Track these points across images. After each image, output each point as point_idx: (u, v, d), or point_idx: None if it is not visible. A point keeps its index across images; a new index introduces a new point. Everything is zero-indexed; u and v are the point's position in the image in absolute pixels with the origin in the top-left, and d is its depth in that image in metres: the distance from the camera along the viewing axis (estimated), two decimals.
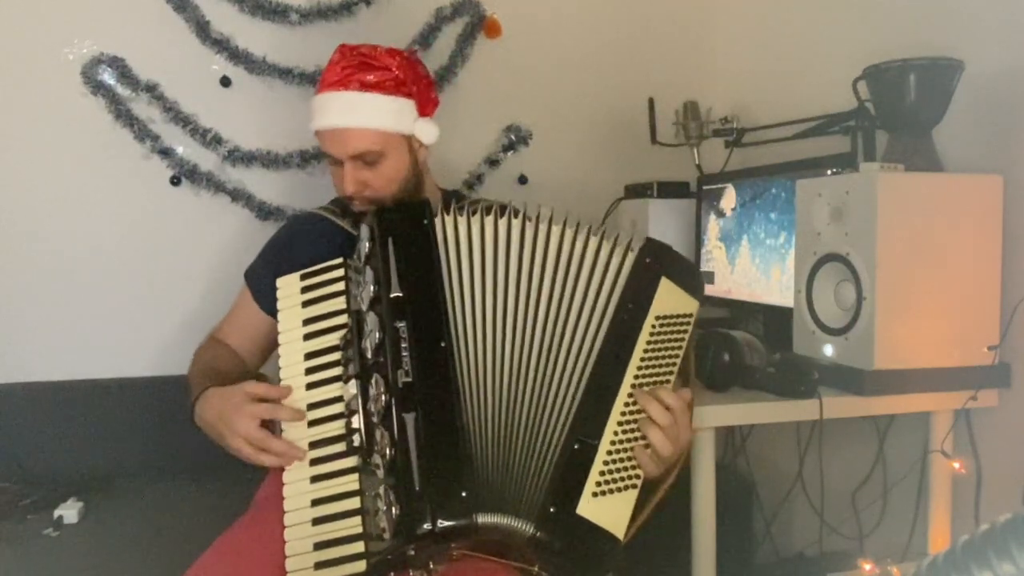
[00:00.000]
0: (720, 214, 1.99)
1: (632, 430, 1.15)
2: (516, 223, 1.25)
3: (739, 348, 1.42)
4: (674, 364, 1.20)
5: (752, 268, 1.85)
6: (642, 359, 1.17)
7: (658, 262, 1.24)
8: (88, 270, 2.03)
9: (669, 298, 1.21)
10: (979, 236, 1.43)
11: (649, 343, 1.18)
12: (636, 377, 1.16)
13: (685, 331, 1.22)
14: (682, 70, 2.35)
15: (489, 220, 1.24)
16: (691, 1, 2.39)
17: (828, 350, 1.47)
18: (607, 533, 1.10)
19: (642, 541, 2.14)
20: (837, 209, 1.45)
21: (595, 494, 1.10)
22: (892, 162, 1.42)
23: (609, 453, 1.12)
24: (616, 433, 1.13)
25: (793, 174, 1.69)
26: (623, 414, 1.15)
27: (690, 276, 1.26)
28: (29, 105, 1.97)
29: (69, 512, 1.68)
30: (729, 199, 1.95)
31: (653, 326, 1.19)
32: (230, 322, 1.59)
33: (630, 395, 1.15)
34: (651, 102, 2.16)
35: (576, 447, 1.11)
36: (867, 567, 1.40)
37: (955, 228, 1.41)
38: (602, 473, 1.11)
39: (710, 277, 2.02)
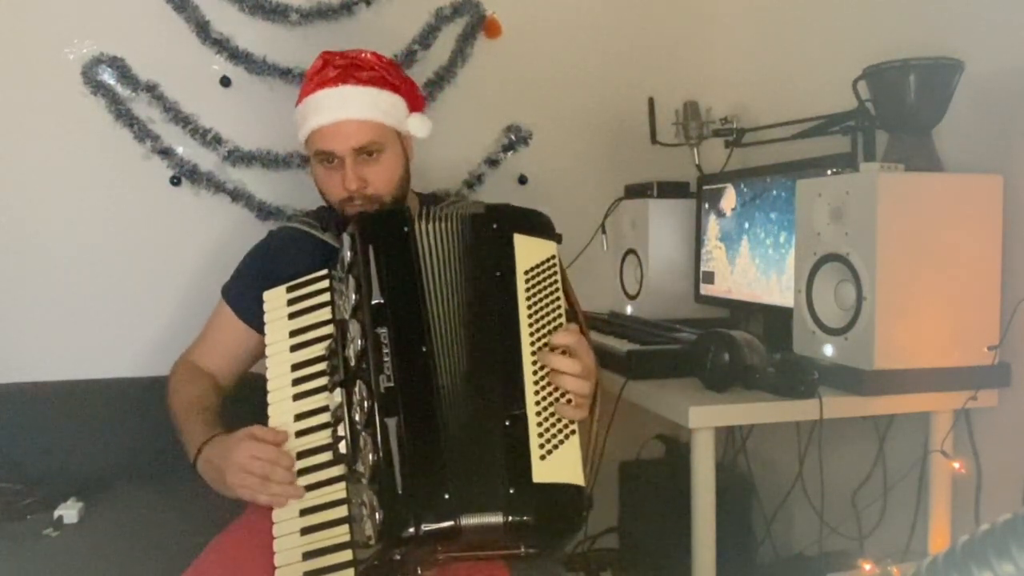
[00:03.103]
0: (720, 214, 1.99)
1: (549, 383, 1.18)
2: (450, 224, 1.28)
3: (739, 348, 1.42)
4: (559, 305, 1.24)
5: (752, 268, 1.85)
6: (530, 315, 1.21)
7: (502, 223, 1.28)
8: (88, 270, 2.02)
9: (528, 250, 1.26)
10: (979, 236, 1.43)
11: (529, 299, 1.22)
12: (532, 334, 1.20)
13: (554, 272, 1.26)
14: (682, 70, 2.35)
15: (446, 223, 1.27)
16: (691, 1, 2.39)
17: (828, 350, 1.47)
18: (569, 486, 1.12)
19: (642, 541, 2.15)
20: (837, 209, 1.45)
21: (542, 457, 1.13)
22: (892, 162, 1.43)
23: (538, 414, 1.15)
24: (537, 393, 1.17)
25: (793, 174, 1.69)
26: (535, 373, 1.18)
27: (538, 222, 1.30)
28: (29, 105, 1.97)
29: (69, 512, 1.68)
30: (729, 199, 1.95)
31: (526, 282, 1.23)
32: (208, 341, 1.58)
33: (533, 354, 1.19)
34: (651, 102, 2.16)
35: (507, 424, 1.14)
36: (867, 567, 1.41)
37: (955, 228, 1.41)
38: (540, 435, 1.14)
39: (710, 277, 2.03)
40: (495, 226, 1.27)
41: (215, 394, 1.50)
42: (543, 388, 1.17)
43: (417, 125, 1.55)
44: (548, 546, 1.18)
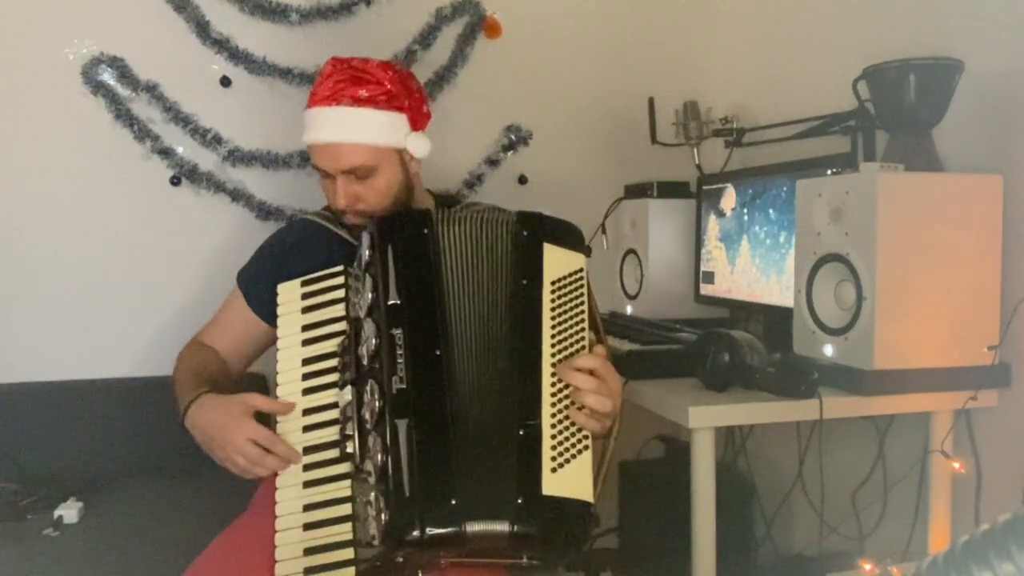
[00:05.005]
0: (720, 214, 1.99)
1: (566, 396, 1.17)
2: (478, 228, 1.27)
3: (739, 348, 1.42)
4: (582, 318, 1.23)
5: (752, 268, 1.85)
6: (553, 326, 1.20)
7: (535, 231, 1.26)
8: (89, 270, 2.03)
9: (557, 261, 1.25)
10: (979, 236, 1.43)
11: (553, 308, 1.21)
12: (553, 345, 1.19)
13: (581, 286, 1.25)
14: (682, 70, 2.35)
15: (468, 227, 1.26)
16: (691, 2, 2.39)
17: (828, 350, 1.47)
18: (577, 501, 1.12)
19: (643, 541, 2.15)
20: (837, 209, 1.45)
21: (553, 470, 1.12)
22: (892, 162, 1.42)
23: (553, 427, 1.15)
24: (553, 405, 1.16)
25: (793, 174, 1.69)
26: (553, 385, 1.17)
27: (569, 234, 1.29)
28: (29, 105, 1.97)
29: (69, 512, 1.68)
30: (729, 199, 1.95)
31: (552, 292, 1.22)
32: (218, 324, 1.58)
33: (553, 365, 1.18)
34: (651, 102, 2.16)
35: (521, 433, 1.13)
36: (867, 567, 1.40)
37: (955, 228, 1.41)
38: (553, 448, 1.13)
39: (710, 277, 2.02)
40: (526, 233, 1.26)
41: (216, 366, 1.50)
42: (560, 401, 1.16)
43: (416, 145, 1.50)
44: (551, 558, 1.17)
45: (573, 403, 1.17)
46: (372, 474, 1.13)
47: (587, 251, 1.29)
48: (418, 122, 1.52)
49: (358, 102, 1.44)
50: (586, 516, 1.13)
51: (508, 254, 1.25)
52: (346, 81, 1.45)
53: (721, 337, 1.44)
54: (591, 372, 1.18)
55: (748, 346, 1.43)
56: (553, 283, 1.23)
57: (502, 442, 1.14)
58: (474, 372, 1.18)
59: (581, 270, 1.26)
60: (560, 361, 1.18)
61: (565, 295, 1.23)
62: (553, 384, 1.17)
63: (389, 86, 1.47)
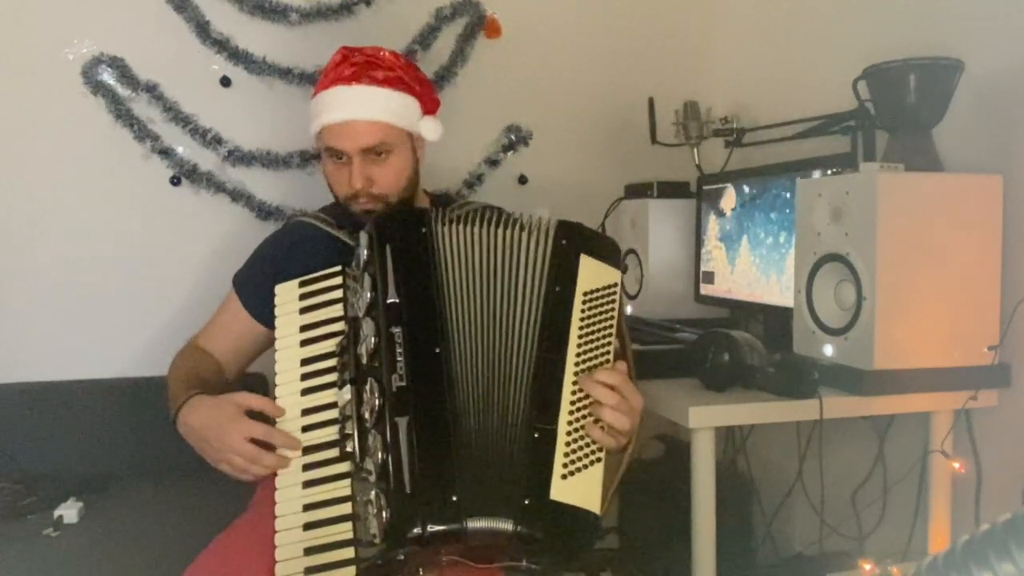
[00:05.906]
0: (720, 214, 1.99)
1: (585, 407, 1.17)
2: (502, 230, 1.27)
3: (739, 348, 1.42)
4: (610, 332, 1.23)
5: (752, 268, 1.85)
6: (580, 335, 1.21)
7: (574, 241, 1.27)
8: (88, 270, 2.03)
9: (591, 273, 1.25)
10: (979, 236, 1.43)
11: (583, 319, 1.22)
12: (578, 355, 1.19)
13: (613, 300, 1.25)
14: (682, 70, 2.35)
15: (482, 228, 1.26)
16: (691, 2, 2.39)
17: (828, 350, 1.47)
18: (584, 511, 1.12)
19: (643, 541, 2.14)
20: (837, 209, 1.45)
21: (564, 476, 1.12)
22: (892, 162, 1.42)
23: (568, 434, 1.15)
24: (571, 412, 1.16)
25: (793, 174, 1.69)
26: (573, 393, 1.17)
27: (608, 248, 1.29)
28: (29, 105, 1.97)
29: (69, 512, 1.68)
30: (729, 199, 1.95)
31: (583, 302, 1.22)
32: (215, 327, 1.58)
33: (576, 375, 1.18)
34: (651, 102, 2.16)
35: (536, 436, 1.14)
36: (867, 567, 1.40)
37: (955, 228, 1.41)
38: (566, 454, 1.14)
39: (710, 277, 2.03)
40: (564, 242, 1.26)
41: (210, 370, 1.50)
42: (578, 410, 1.17)
43: (429, 128, 1.55)
44: (551, 565, 1.17)
45: (591, 415, 1.17)
46: (372, 473, 1.13)
47: (623, 268, 1.29)
48: (429, 106, 1.56)
49: (375, 82, 1.48)
50: (591, 527, 1.13)
51: (543, 259, 1.24)
52: (361, 64, 1.50)
53: (721, 337, 1.44)
54: (612, 388, 1.18)
55: (748, 346, 1.43)
56: (585, 294, 1.23)
57: (511, 442, 1.14)
58: (480, 371, 1.18)
59: (615, 285, 1.26)
60: (583, 371, 1.18)
61: (596, 307, 1.23)
62: (573, 393, 1.17)
63: (401, 72, 1.52)
